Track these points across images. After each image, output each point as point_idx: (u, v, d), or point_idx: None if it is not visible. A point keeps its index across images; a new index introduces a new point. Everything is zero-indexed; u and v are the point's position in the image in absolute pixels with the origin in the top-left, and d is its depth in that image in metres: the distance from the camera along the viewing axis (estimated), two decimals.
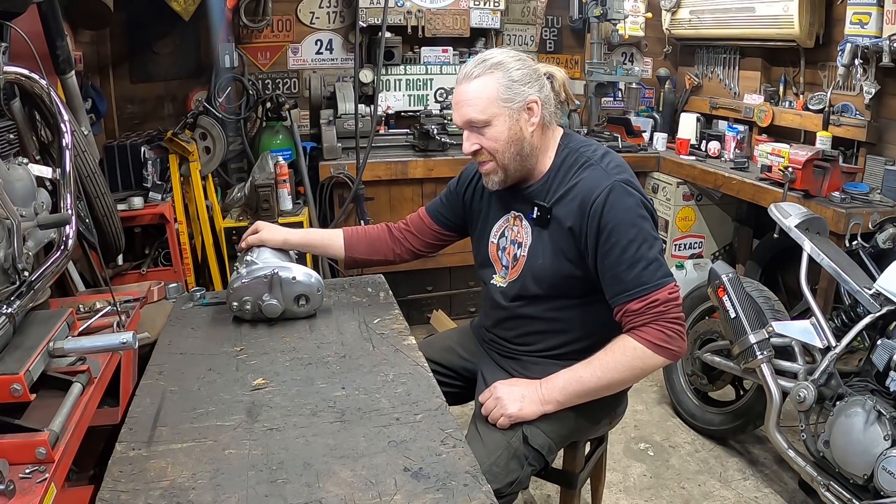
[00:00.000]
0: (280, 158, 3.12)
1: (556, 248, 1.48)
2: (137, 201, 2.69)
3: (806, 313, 2.26)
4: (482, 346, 1.72)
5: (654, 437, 2.65)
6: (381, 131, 3.45)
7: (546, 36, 4.03)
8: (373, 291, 1.83)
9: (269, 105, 3.26)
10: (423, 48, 3.61)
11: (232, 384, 1.35)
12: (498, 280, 1.60)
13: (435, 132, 3.30)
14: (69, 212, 1.52)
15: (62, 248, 1.51)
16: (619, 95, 4.07)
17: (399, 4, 3.43)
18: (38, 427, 1.12)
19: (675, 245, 3.57)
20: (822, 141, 2.94)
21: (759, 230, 3.48)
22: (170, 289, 2.00)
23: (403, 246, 1.77)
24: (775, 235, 2.41)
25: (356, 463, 1.10)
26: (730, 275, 2.22)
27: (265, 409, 1.26)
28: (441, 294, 3.61)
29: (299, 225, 3.07)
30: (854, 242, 2.41)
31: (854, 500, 1.82)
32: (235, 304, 1.60)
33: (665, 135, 3.75)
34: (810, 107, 3.13)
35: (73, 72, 2.09)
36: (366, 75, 3.42)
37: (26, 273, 1.29)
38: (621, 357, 1.41)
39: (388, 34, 3.36)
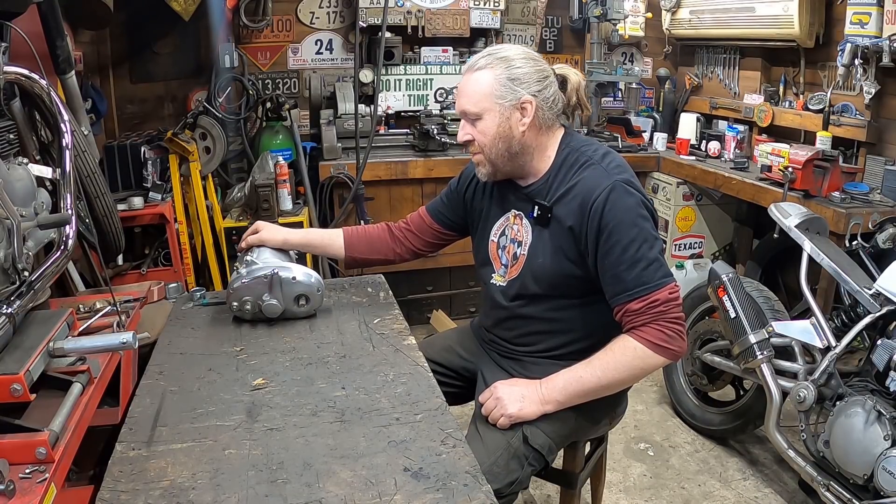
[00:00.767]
0: (280, 158, 3.12)
1: (556, 248, 1.48)
2: (137, 201, 2.69)
3: (806, 313, 2.26)
4: (482, 347, 1.72)
5: (654, 437, 2.65)
6: (381, 131, 3.45)
7: (546, 36, 4.03)
8: (373, 291, 1.83)
9: (269, 105, 3.26)
10: (423, 48, 3.62)
11: (232, 384, 1.35)
12: (497, 279, 1.60)
13: (435, 132, 3.30)
14: (69, 212, 1.52)
15: (62, 248, 1.51)
16: (619, 95, 4.07)
17: (399, 4, 3.43)
18: (38, 427, 1.12)
19: (675, 245, 3.57)
20: (822, 141, 2.94)
21: (759, 230, 3.48)
22: (170, 289, 2.00)
23: (404, 245, 1.77)
24: (775, 235, 2.41)
25: (356, 463, 1.10)
26: (730, 275, 2.22)
27: (265, 409, 1.26)
28: (441, 294, 3.61)
29: (299, 225, 3.07)
30: (854, 242, 2.41)
31: (854, 500, 1.82)
32: (235, 304, 1.59)
33: (665, 135, 3.75)
34: (810, 107, 3.13)
35: (73, 72, 2.09)
36: (366, 75, 3.42)
37: (26, 273, 1.29)
38: (622, 357, 1.41)
39: (388, 34, 3.36)
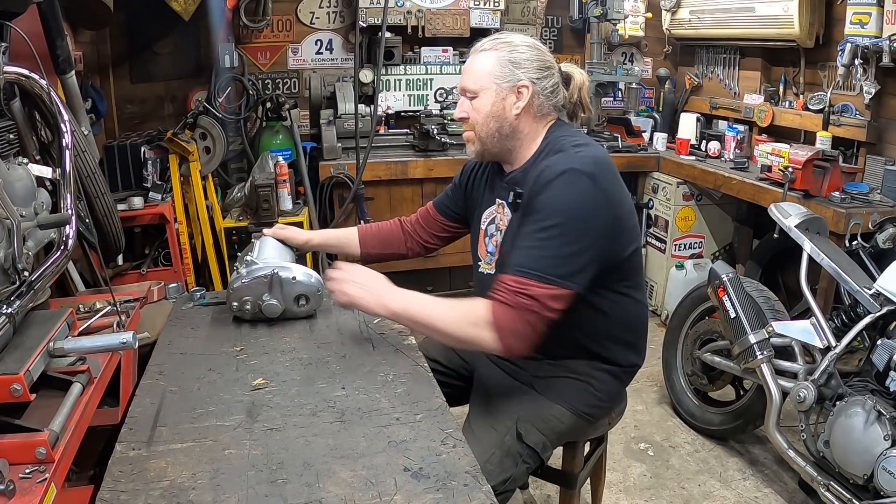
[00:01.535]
0: (280, 158, 3.12)
1: (519, 233, 1.44)
2: (137, 201, 2.69)
3: (806, 313, 2.26)
4: None
5: (654, 437, 2.65)
6: (381, 131, 3.45)
7: (546, 36, 4.03)
8: None
9: (269, 105, 3.26)
10: (423, 48, 3.62)
11: (232, 384, 1.35)
12: (485, 267, 1.61)
13: (435, 132, 3.30)
14: (69, 212, 1.52)
15: (62, 248, 1.51)
16: (619, 95, 4.07)
17: (399, 4, 3.43)
18: (38, 427, 1.12)
19: (675, 245, 3.56)
20: (822, 141, 2.94)
21: (759, 230, 3.48)
22: (170, 289, 2.00)
23: (414, 239, 1.80)
24: (775, 235, 2.41)
25: (356, 463, 1.10)
26: (730, 275, 2.22)
27: (265, 409, 1.26)
28: (441, 294, 3.59)
29: (299, 225, 3.08)
30: (854, 242, 2.41)
31: (854, 500, 1.82)
32: (235, 304, 1.59)
33: (665, 135, 3.75)
34: (810, 107, 3.13)
35: (73, 72, 2.09)
36: (366, 75, 3.42)
37: (26, 273, 1.29)
38: (466, 314, 1.34)
39: (388, 34, 3.36)
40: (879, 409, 1.76)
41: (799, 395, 1.99)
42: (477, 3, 3.57)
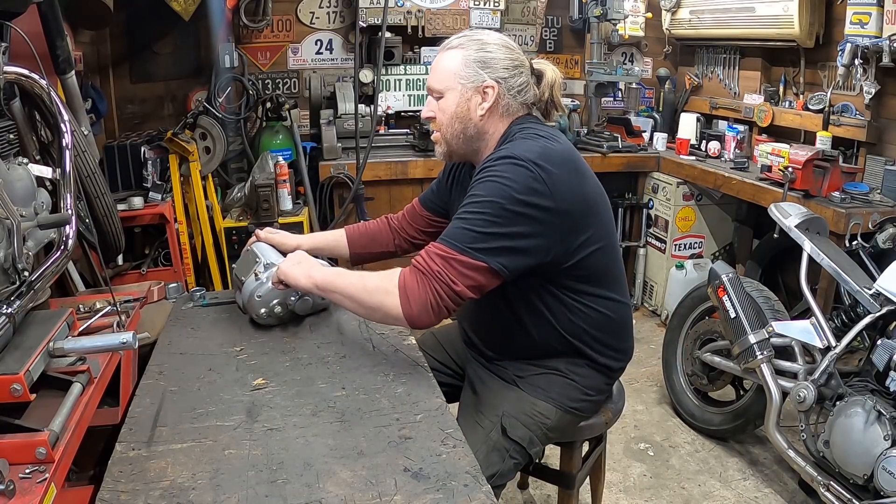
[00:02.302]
0: (280, 158, 3.12)
1: None
2: (137, 201, 2.69)
3: (806, 313, 2.26)
4: (465, 344, 1.72)
5: (654, 437, 2.65)
6: (381, 131, 3.45)
7: (546, 36, 4.03)
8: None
9: (269, 105, 3.26)
10: (423, 48, 3.62)
11: (232, 384, 1.35)
12: None
13: None
14: (69, 212, 1.52)
15: (62, 248, 1.51)
16: (619, 95, 4.08)
17: (399, 4, 3.43)
18: (38, 427, 1.12)
19: (675, 245, 3.56)
20: (822, 141, 2.94)
21: (759, 230, 3.48)
22: (170, 289, 2.00)
23: (401, 236, 1.79)
24: (775, 235, 2.41)
25: (356, 463, 1.10)
26: (730, 275, 2.22)
27: (265, 409, 1.26)
28: None
29: (299, 225, 3.08)
30: (854, 242, 2.41)
31: (854, 500, 1.82)
32: (264, 310, 1.54)
33: (665, 135, 3.75)
34: (810, 107, 3.13)
35: (73, 72, 2.09)
36: (366, 75, 3.42)
37: (26, 273, 1.28)
38: (378, 280, 1.35)
39: (388, 34, 3.36)
40: (879, 409, 1.76)
41: (799, 395, 1.99)
42: (477, 3, 3.57)
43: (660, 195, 3.59)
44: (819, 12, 3.08)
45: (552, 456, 1.76)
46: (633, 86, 4.10)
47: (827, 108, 2.98)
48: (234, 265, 1.71)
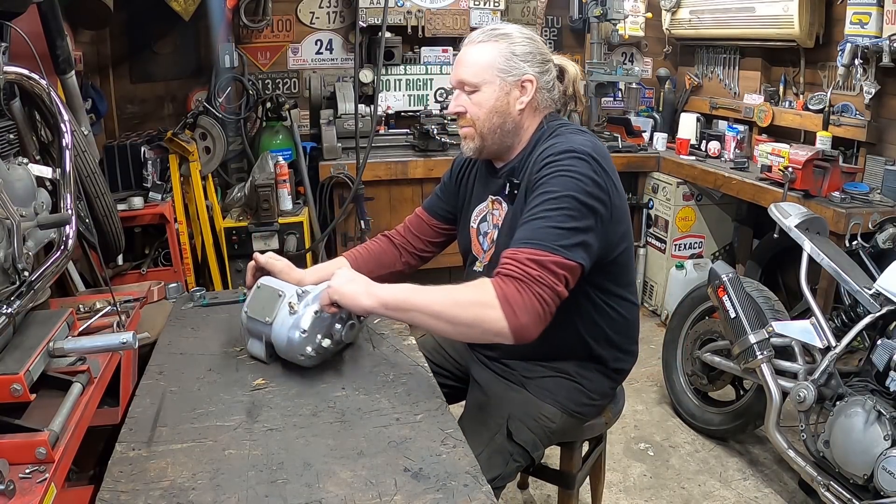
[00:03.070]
0: (280, 158, 3.13)
1: (517, 223, 1.38)
2: (137, 201, 2.69)
3: (806, 313, 2.26)
4: (468, 345, 1.72)
5: (654, 437, 2.65)
6: (381, 131, 3.45)
7: (546, 36, 4.03)
8: None
9: (269, 105, 3.26)
10: (423, 48, 3.62)
11: (232, 384, 1.35)
12: (479, 266, 1.58)
13: (435, 132, 3.30)
14: (69, 212, 1.52)
15: (62, 248, 1.51)
16: (619, 95, 4.07)
17: (399, 4, 3.44)
18: (38, 427, 1.12)
19: (675, 245, 3.56)
20: (822, 141, 2.94)
21: (759, 230, 3.48)
22: (170, 289, 2.00)
23: (408, 252, 1.71)
24: (775, 235, 2.41)
25: (356, 463, 1.10)
26: (730, 275, 2.22)
27: (265, 409, 1.26)
28: None
29: (299, 225, 3.08)
30: (854, 242, 2.41)
31: (854, 500, 1.82)
32: (309, 348, 1.33)
33: (665, 135, 3.75)
34: (810, 107, 3.13)
35: (73, 72, 2.09)
36: (366, 75, 3.42)
37: (26, 273, 1.29)
38: (472, 294, 1.25)
39: (388, 34, 3.36)
40: (879, 409, 1.76)
41: (799, 395, 1.99)
42: (477, 3, 3.57)
43: (660, 195, 3.59)
44: (819, 12, 3.08)
45: (552, 456, 1.76)
46: (633, 86, 4.10)
47: (827, 108, 2.98)
48: (245, 310, 1.41)
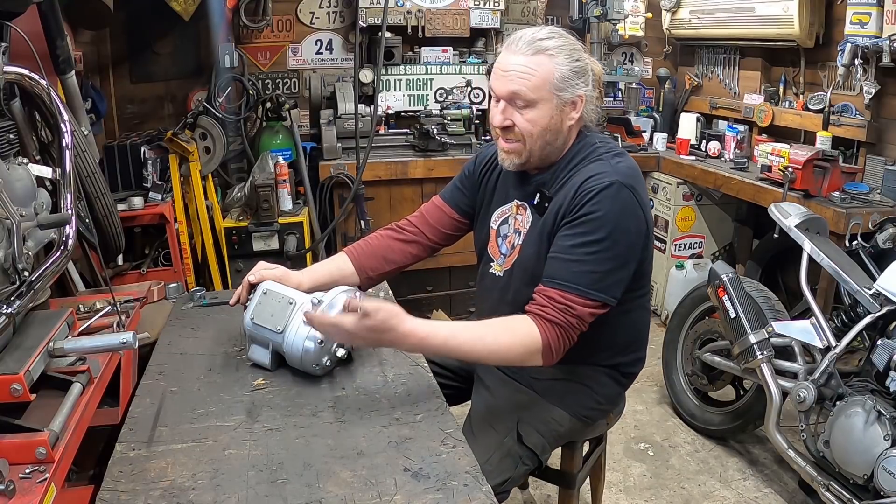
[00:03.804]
0: (280, 158, 3.12)
1: (548, 235, 1.41)
2: (137, 201, 2.69)
3: (806, 313, 2.26)
4: None
5: (654, 437, 2.65)
6: (381, 131, 3.45)
7: None
8: (372, 292, 1.82)
9: (269, 105, 3.26)
10: (423, 48, 3.61)
11: (232, 384, 1.35)
12: (496, 268, 1.56)
13: (435, 132, 3.30)
14: (69, 212, 1.52)
15: (62, 248, 1.51)
16: (619, 95, 4.07)
17: (399, 4, 3.43)
18: (38, 427, 1.12)
19: (675, 245, 3.56)
20: (822, 141, 2.94)
21: (759, 230, 3.48)
22: (170, 289, 2.00)
23: (420, 244, 1.65)
24: (775, 235, 2.41)
25: (356, 463, 1.10)
26: (730, 275, 2.22)
27: (265, 409, 1.26)
28: (441, 294, 3.61)
29: (299, 225, 3.08)
30: (854, 242, 2.41)
31: (854, 500, 1.82)
32: (326, 358, 1.35)
33: (665, 135, 3.75)
34: (810, 107, 3.13)
35: (73, 72, 2.09)
36: (366, 75, 3.42)
37: (26, 273, 1.29)
38: (520, 341, 1.30)
39: (388, 34, 3.36)
40: (879, 409, 1.76)
41: (799, 395, 1.99)
42: (477, 3, 3.57)
43: (660, 195, 3.59)
44: (819, 12, 3.08)
45: (553, 456, 1.76)
46: (633, 86, 4.10)
47: (827, 108, 2.98)
48: (251, 317, 1.39)
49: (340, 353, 1.36)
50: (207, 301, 1.76)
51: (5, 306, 1.22)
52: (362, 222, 3.24)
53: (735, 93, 3.69)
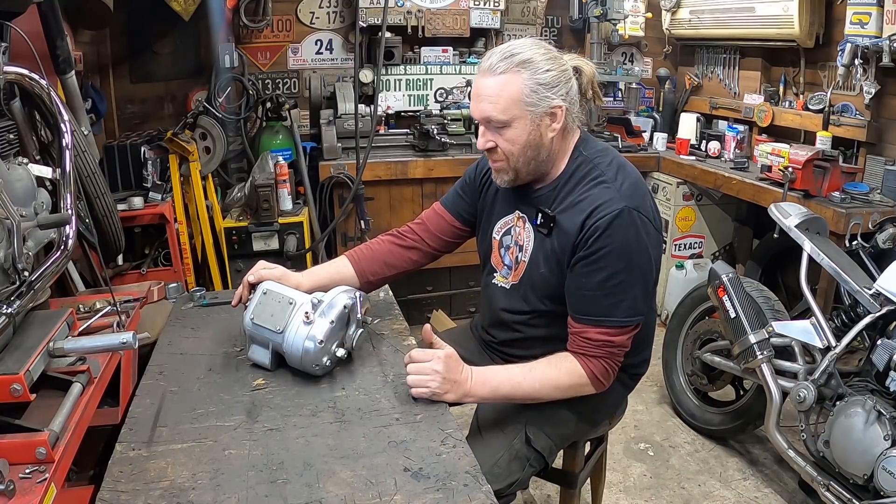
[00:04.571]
0: (280, 158, 3.12)
1: (558, 260, 1.42)
2: (137, 201, 2.69)
3: (806, 313, 2.26)
4: (481, 347, 1.72)
5: (654, 437, 2.65)
6: (381, 131, 3.45)
7: (546, 36, 4.03)
8: (372, 292, 1.82)
9: (269, 105, 3.26)
10: (423, 48, 3.62)
11: (232, 384, 1.35)
12: (500, 280, 1.57)
13: (435, 132, 3.30)
14: (69, 212, 1.52)
15: (62, 248, 1.51)
16: (619, 95, 4.07)
17: (399, 4, 3.43)
18: (38, 427, 1.12)
19: (675, 245, 3.56)
20: (822, 141, 2.94)
21: (759, 230, 3.48)
22: (170, 289, 2.00)
23: (420, 250, 1.65)
24: (775, 235, 2.41)
25: (356, 463, 1.10)
26: (730, 275, 2.22)
27: (265, 409, 1.26)
28: (441, 294, 3.61)
29: (299, 225, 3.08)
30: (854, 242, 2.41)
31: (854, 500, 1.82)
32: (326, 358, 1.35)
33: (665, 135, 3.75)
34: (810, 107, 3.13)
35: (73, 72, 2.09)
36: (366, 75, 3.42)
37: (26, 273, 1.29)
38: (566, 379, 1.39)
39: (388, 34, 3.36)
40: (879, 409, 1.76)
41: (799, 395, 1.99)
42: (477, 3, 3.57)
43: (660, 195, 3.59)
44: (819, 12, 3.08)
45: None
46: (633, 86, 4.10)
47: (827, 108, 2.97)
48: (250, 317, 1.39)
49: (340, 353, 1.37)
50: (207, 301, 1.76)
51: (5, 306, 1.22)
52: (362, 222, 3.25)
53: (735, 93, 3.69)
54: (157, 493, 1.03)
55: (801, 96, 3.28)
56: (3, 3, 1.51)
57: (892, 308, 1.89)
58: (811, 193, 2.69)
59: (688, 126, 3.61)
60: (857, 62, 2.72)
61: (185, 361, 1.45)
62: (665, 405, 2.86)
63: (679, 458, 2.52)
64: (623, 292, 1.36)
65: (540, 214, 1.46)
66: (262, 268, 1.50)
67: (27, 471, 1.07)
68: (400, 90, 3.63)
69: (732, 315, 2.18)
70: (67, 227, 1.51)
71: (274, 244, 3.05)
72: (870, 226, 2.49)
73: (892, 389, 1.78)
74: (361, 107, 3.33)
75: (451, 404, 1.33)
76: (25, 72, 1.52)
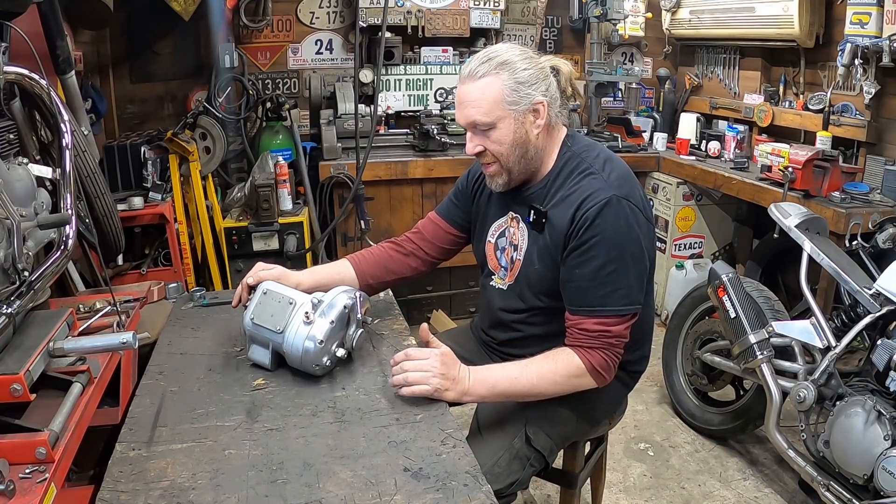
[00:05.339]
0: (280, 158, 3.12)
1: (552, 255, 1.44)
2: (137, 201, 2.69)
3: (806, 313, 2.26)
4: (481, 348, 1.72)
5: (654, 437, 2.65)
6: (381, 131, 3.45)
7: (546, 36, 4.03)
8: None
9: (269, 105, 3.26)
10: (423, 48, 3.61)
11: (232, 384, 1.35)
12: (497, 282, 1.58)
13: (435, 132, 3.30)
14: (69, 212, 1.52)
15: (62, 248, 1.51)
16: (619, 95, 4.07)
17: (399, 4, 3.43)
18: (38, 427, 1.12)
19: (675, 245, 3.56)
20: (822, 141, 2.94)
21: (759, 230, 3.48)
22: (170, 289, 2.00)
23: (419, 258, 1.67)
24: (775, 235, 2.41)
25: (356, 463, 1.10)
26: (730, 275, 2.22)
27: (265, 409, 1.26)
28: (441, 294, 3.61)
29: (299, 225, 3.08)
30: (854, 242, 2.41)
31: (854, 500, 1.82)
32: (326, 358, 1.34)
33: (665, 135, 3.75)
34: (810, 107, 3.13)
35: (73, 72, 2.09)
36: (366, 75, 3.42)
37: (26, 273, 1.29)
38: (563, 372, 1.38)
39: (388, 34, 3.36)
40: (879, 409, 1.76)
41: (799, 395, 1.99)
42: (477, 3, 3.57)
43: (660, 195, 3.59)
44: (819, 12, 3.08)
45: None
46: (633, 86, 4.10)
47: (827, 108, 2.98)
48: (250, 317, 1.38)
49: (340, 353, 1.37)
50: (207, 301, 1.76)
51: (5, 306, 1.22)
52: (362, 222, 3.25)
53: (735, 93, 3.69)
54: (157, 493, 1.03)
55: (801, 96, 3.28)
56: (3, 3, 1.51)
57: (892, 308, 1.89)
58: (811, 193, 2.69)
59: (688, 126, 3.61)
60: (857, 62, 2.72)
61: (185, 361, 1.45)
62: (665, 405, 2.86)
63: (679, 458, 2.52)
64: (617, 281, 1.36)
65: (532, 212, 1.47)
66: (260, 269, 1.51)
67: (27, 471, 1.07)
68: (400, 90, 3.63)
69: (732, 315, 2.18)
70: (67, 227, 1.51)
71: (274, 244, 3.06)
72: (870, 226, 2.49)
73: (892, 389, 1.78)
74: (361, 107, 3.33)
75: (451, 404, 1.33)
76: (25, 72, 1.52)
